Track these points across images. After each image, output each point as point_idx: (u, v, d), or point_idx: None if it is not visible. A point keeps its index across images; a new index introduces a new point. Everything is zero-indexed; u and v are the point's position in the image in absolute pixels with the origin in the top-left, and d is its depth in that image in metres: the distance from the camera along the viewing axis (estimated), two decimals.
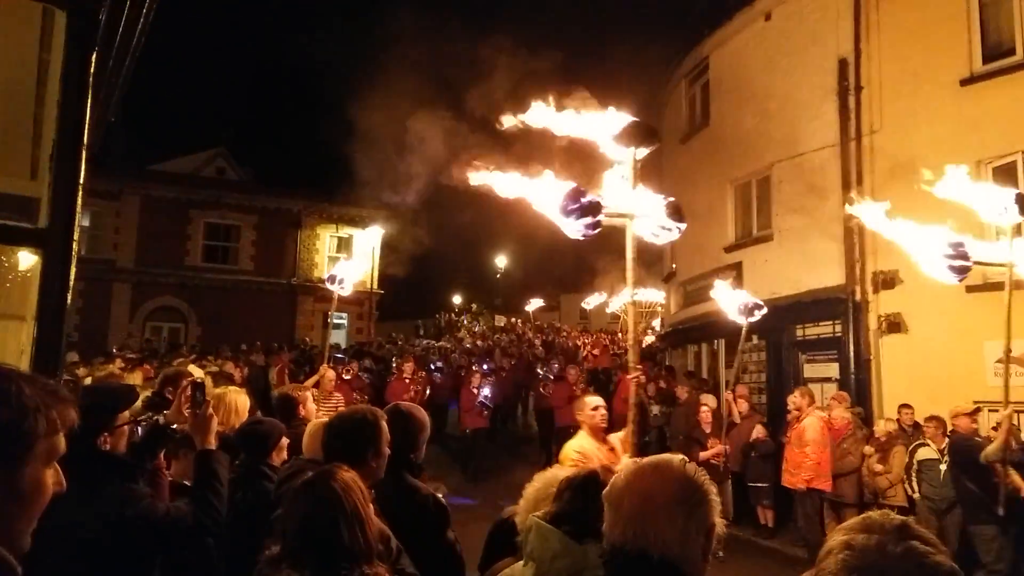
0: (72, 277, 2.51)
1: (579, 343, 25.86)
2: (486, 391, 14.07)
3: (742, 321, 7.31)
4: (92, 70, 2.62)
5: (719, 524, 1.71)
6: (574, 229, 3.95)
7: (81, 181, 2.48)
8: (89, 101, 2.57)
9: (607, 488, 1.79)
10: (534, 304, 37.18)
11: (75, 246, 2.44)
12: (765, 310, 7.36)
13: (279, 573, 1.99)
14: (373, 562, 2.10)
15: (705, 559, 1.68)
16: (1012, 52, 10.44)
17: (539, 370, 16.81)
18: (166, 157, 31.45)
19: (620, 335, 27.86)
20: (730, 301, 7.41)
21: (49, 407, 1.28)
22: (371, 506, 2.27)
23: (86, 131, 2.54)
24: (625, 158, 4.39)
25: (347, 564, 2.01)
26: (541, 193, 4.13)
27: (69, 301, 2.45)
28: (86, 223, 25.13)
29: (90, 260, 24.50)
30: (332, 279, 7.61)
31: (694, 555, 1.64)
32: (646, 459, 1.81)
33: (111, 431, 2.88)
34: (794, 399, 9.56)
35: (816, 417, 9.24)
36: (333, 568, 1.99)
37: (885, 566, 1.15)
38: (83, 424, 2.74)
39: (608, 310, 32.85)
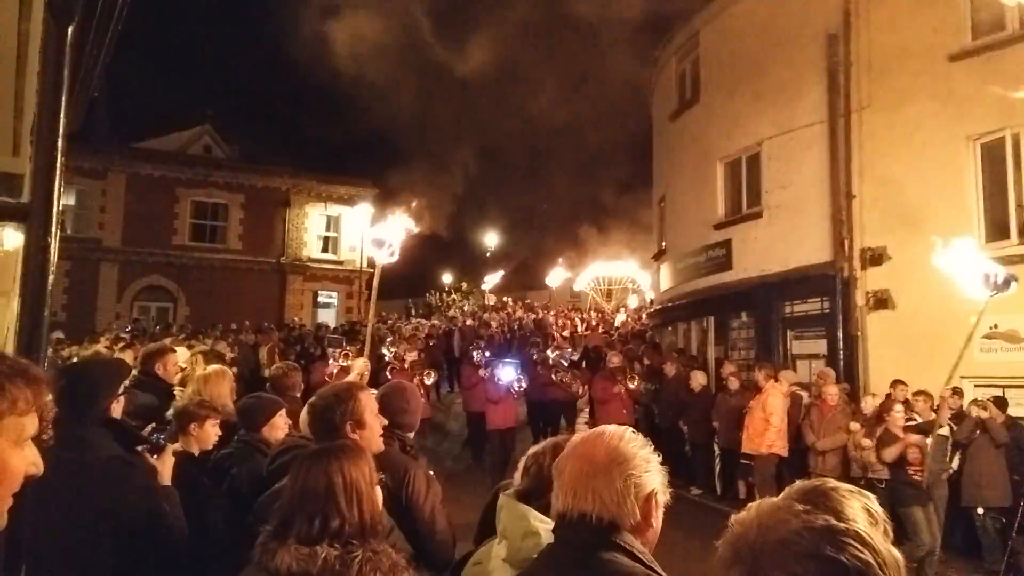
0: (55, 252, 2.48)
1: (563, 322, 25.16)
2: (506, 373, 11.15)
3: (986, 296, 5.97)
4: (71, 41, 2.57)
5: (661, 490, 1.75)
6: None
7: (59, 149, 2.43)
8: (67, 73, 2.53)
9: (556, 460, 1.84)
10: (490, 281, 36.42)
11: (55, 214, 2.40)
12: (1014, 286, 6.08)
13: (284, 546, 1.96)
14: (379, 539, 2.08)
15: (647, 523, 1.72)
16: (1002, 27, 10.42)
17: (547, 352, 13.58)
18: (152, 135, 31.09)
19: (586, 314, 27.74)
20: (971, 269, 5.92)
21: (17, 386, 1.23)
22: (376, 484, 2.24)
23: (63, 102, 2.50)
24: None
25: (354, 540, 1.99)
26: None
27: (52, 277, 2.42)
28: (71, 202, 24.91)
29: (76, 239, 24.29)
30: (380, 243, 6.60)
31: (632, 517, 1.68)
32: (591, 430, 1.87)
33: (117, 399, 3.01)
34: (756, 375, 10.28)
35: (777, 389, 9.87)
36: (341, 544, 1.96)
37: (770, 524, 1.13)
38: (92, 395, 2.80)
39: (575, 287, 32.75)
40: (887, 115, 11.29)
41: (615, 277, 30.71)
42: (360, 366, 6.57)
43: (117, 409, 3.14)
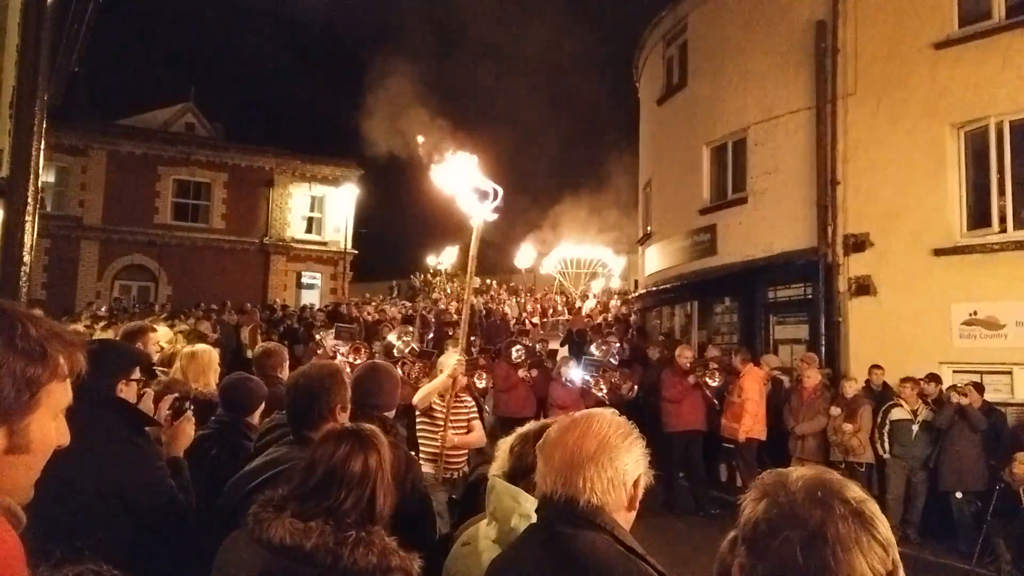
0: (35, 224, 2.44)
1: (532, 307, 24.38)
2: (576, 373, 9.73)
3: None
4: (51, 14, 2.51)
5: (646, 475, 1.81)
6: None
7: (39, 124, 2.39)
8: (47, 47, 2.47)
9: (540, 441, 1.87)
10: (443, 259, 33.97)
11: (33, 190, 2.36)
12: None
13: (280, 516, 1.95)
14: (381, 526, 2.05)
15: (631, 508, 1.79)
16: (988, 16, 10.45)
17: (592, 349, 11.90)
18: (134, 112, 30.70)
19: (553, 297, 27.21)
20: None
21: (57, 351, 1.16)
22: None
23: (43, 77, 2.45)
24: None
25: (349, 521, 1.97)
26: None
27: (30, 251, 2.38)
28: (51, 179, 24.60)
29: (56, 217, 24.03)
30: (482, 195, 4.99)
31: (618, 503, 1.74)
32: (577, 412, 1.90)
33: (127, 381, 2.91)
34: (734, 359, 10.51)
35: (754, 373, 10.05)
36: (342, 527, 1.95)
37: (786, 476, 1.20)
38: (102, 371, 2.76)
39: (541, 270, 31.81)
40: (872, 102, 11.32)
41: (583, 260, 30.03)
42: (453, 366, 5.25)
43: (129, 393, 3.06)
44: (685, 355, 10.44)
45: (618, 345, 12.54)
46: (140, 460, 2.79)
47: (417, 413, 5.76)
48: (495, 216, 5.04)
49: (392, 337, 11.12)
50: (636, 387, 11.07)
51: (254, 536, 1.95)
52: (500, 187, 4.94)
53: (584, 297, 26.66)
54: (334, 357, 9.00)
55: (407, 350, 10.56)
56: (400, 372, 10.43)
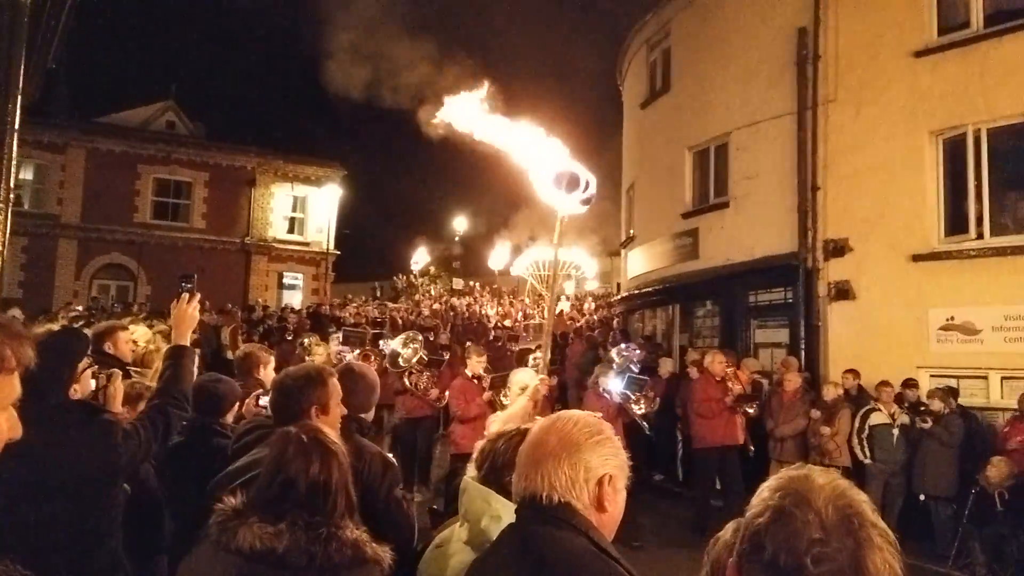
0: (7, 222, 2.41)
1: (503, 310, 24.04)
2: (616, 383, 8.48)
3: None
4: (27, 6, 2.48)
5: (620, 475, 1.79)
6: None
7: (10, 119, 2.36)
8: (23, 41, 2.44)
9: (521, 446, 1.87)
10: (418, 261, 33.98)
11: (4, 182, 2.32)
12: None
13: (246, 524, 1.91)
14: (350, 520, 2.03)
15: (600, 507, 1.75)
16: (967, 24, 10.59)
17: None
18: (114, 109, 30.37)
19: (522, 300, 26.90)
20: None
21: (3, 343, 1.14)
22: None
23: (19, 72, 2.41)
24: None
25: (325, 521, 1.95)
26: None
27: (2, 248, 2.34)
28: (29, 176, 24.30)
29: (34, 215, 23.74)
30: (573, 181, 4.16)
31: (584, 500, 1.72)
32: (553, 414, 1.90)
33: (78, 380, 2.90)
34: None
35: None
36: (312, 524, 1.92)
37: (810, 487, 1.16)
38: (51, 375, 2.74)
39: (512, 271, 31.48)
40: (853, 109, 11.43)
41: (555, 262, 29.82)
42: (534, 387, 4.30)
43: (85, 387, 3.03)
44: (719, 362, 9.37)
45: (639, 352, 10.92)
46: (100, 447, 2.81)
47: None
48: (584, 208, 4.29)
49: (396, 344, 9.68)
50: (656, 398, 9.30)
51: (221, 545, 1.91)
52: (592, 176, 4.15)
53: (556, 299, 26.29)
54: (337, 364, 8.10)
55: (415, 359, 9.48)
56: (407, 383, 9.60)
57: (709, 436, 9.25)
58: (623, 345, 10.83)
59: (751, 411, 9.24)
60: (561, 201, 4.17)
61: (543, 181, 4.14)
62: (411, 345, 9.53)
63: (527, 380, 4.49)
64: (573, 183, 4.16)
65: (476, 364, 8.48)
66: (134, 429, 2.96)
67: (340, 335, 11.13)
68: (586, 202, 4.17)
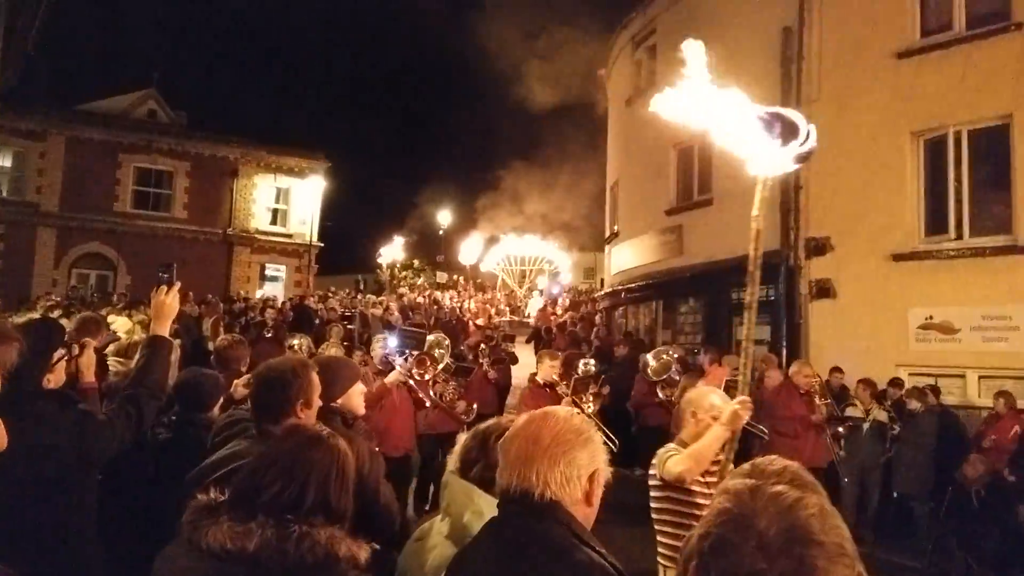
0: None
1: (477, 307, 23.74)
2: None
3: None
4: None
5: (604, 471, 1.84)
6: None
7: None
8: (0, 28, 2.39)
9: (503, 438, 1.89)
10: (387, 255, 33.45)
11: None
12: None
13: (216, 524, 1.87)
14: (322, 517, 1.99)
15: (588, 503, 1.80)
16: (949, 27, 10.68)
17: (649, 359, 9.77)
18: (95, 97, 29.99)
19: (495, 295, 26.57)
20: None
21: None
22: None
23: None
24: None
25: (298, 518, 1.90)
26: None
27: None
28: (7, 163, 23.96)
29: (12, 203, 23.41)
30: (791, 129, 3.20)
31: (574, 497, 1.76)
32: (538, 409, 1.92)
33: (52, 370, 2.86)
34: (701, 359, 10.17)
35: (716, 374, 9.51)
36: (283, 522, 1.87)
37: (754, 507, 1.12)
38: (25, 365, 2.72)
39: (483, 268, 30.98)
40: (836, 109, 11.49)
41: (528, 257, 29.15)
42: (731, 413, 3.49)
43: (60, 378, 2.99)
44: (805, 374, 8.04)
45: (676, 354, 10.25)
46: (74, 437, 2.81)
47: (661, 483, 3.65)
48: (797, 165, 3.31)
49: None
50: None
51: (193, 544, 1.87)
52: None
53: (528, 295, 26.19)
54: (384, 372, 6.65)
55: (441, 366, 7.89)
56: (432, 394, 7.48)
57: (794, 459, 9.08)
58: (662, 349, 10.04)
59: (841, 430, 8.21)
60: (771, 155, 3.22)
61: (746, 128, 3.26)
62: (437, 350, 8.00)
63: (717, 403, 3.56)
64: (789, 131, 3.18)
65: (548, 370, 7.48)
66: (108, 420, 2.97)
67: (386, 335, 8.94)
68: (803, 157, 3.20)
